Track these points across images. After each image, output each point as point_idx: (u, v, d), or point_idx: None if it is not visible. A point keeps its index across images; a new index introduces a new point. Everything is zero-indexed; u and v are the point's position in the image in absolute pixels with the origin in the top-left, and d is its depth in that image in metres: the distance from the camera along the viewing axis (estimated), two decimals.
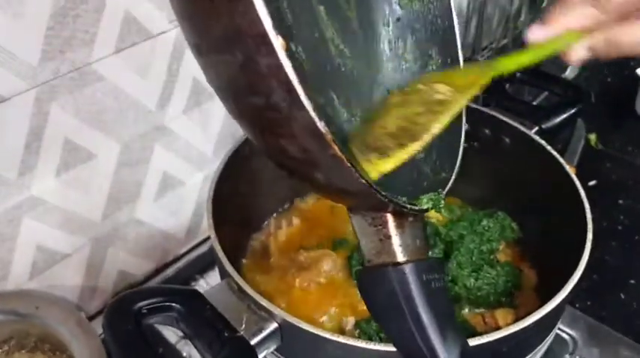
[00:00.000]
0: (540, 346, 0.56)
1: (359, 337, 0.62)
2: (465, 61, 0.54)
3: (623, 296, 0.88)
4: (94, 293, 0.85)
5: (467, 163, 0.78)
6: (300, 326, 0.47)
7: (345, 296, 0.69)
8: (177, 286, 0.51)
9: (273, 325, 0.49)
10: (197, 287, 0.86)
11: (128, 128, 0.77)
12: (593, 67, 1.43)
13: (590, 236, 0.55)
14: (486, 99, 0.76)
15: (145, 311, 0.47)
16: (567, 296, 0.51)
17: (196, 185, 0.91)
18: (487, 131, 0.73)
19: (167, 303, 0.48)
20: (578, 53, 0.47)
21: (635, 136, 1.25)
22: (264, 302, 0.49)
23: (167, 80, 0.78)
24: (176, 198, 0.89)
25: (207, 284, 0.88)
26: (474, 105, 0.73)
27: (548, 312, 0.49)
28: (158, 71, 0.77)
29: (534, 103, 1.06)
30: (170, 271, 0.91)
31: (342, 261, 0.72)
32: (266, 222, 0.79)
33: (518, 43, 1.34)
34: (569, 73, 1.32)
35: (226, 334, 0.47)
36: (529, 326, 0.48)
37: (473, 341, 0.46)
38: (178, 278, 0.89)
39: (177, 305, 0.48)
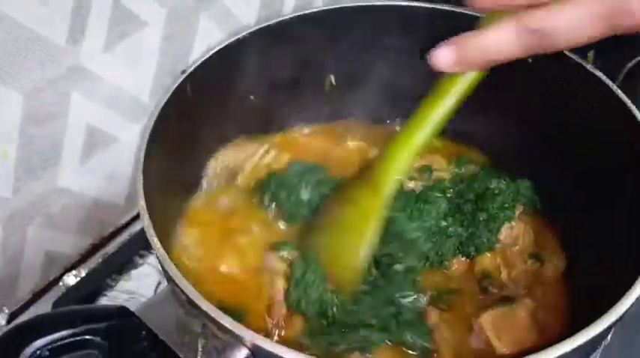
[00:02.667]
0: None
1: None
2: None
3: None
4: (15, 283, 0.71)
5: (479, 99, 0.64)
6: (283, 355, 0.32)
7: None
8: (96, 306, 0.35)
9: (243, 353, 0.34)
10: (146, 266, 0.72)
11: (31, 72, 0.61)
12: None
13: None
14: None
15: (46, 353, 0.31)
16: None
17: (132, 139, 0.76)
18: None
19: (79, 337, 0.31)
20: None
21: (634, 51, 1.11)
22: (226, 322, 0.34)
23: (77, 5, 0.61)
24: (108, 157, 0.73)
25: None
26: (476, 14, 0.57)
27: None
28: None
29: None
30: (111, 247, 0.77)
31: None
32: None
33: None
34: None
35: None
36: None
37: None
38: (121, 254, 0.75)
39: (97, 338, 0.32)
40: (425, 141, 0.48)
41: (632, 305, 0.39)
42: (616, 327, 0.63)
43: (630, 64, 0.99)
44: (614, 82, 0.55)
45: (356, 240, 0.53)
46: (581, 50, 1.02)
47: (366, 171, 0.54)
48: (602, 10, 0.36)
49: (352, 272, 0.53)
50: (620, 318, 0.39)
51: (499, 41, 0.40)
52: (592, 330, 0.37)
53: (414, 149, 0.49)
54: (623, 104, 0.49)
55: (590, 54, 1.08)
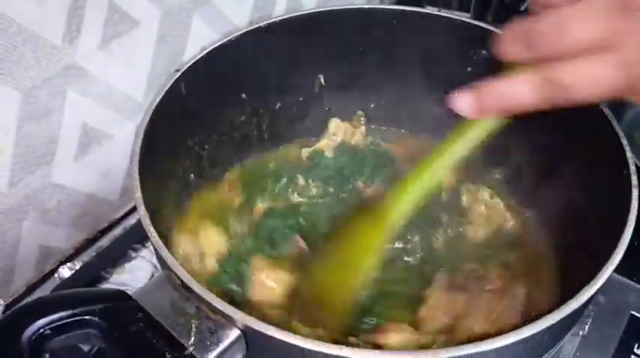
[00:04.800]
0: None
1: None
2: None
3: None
4: (11, 276, 0.71)
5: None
6: (272, 334, 0.34)
7: None
8: (94, 289, 0.37)
9: (234, 333, 0.36)
10: (139, 259, 0.73)
11: (28, 70, 0.61)
12: None
13: (635, 189, 0.43)
14: (479, 12, 0.62)
15: (47, 332, 0.33)
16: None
17: (127, 136, 0.76)
18: (484, 52, 0.59)
19: (79, 318, 0.33)
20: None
21: None
22: (219, 304, 0.36)
23: (72, 5, 0.62)
24: (103, 154, 0.74)
25: (152, 253, 0.74)
26: (466, 20, 0.59)
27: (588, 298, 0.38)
28: None
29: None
30: (105, 241, 0.77)
31: None
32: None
33: None
34: None
35: (168, 354, 0.33)
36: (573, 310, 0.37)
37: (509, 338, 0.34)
38: (115, 248, 0.75)
39: (96, 319, 0.34)
40: (436, 179, 0.49)
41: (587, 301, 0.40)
42: (594, 320, 0.65)
43: None
44: None
45: (353, 272, 0.52)
46: None
47: (370, 208, 0.53)
48: (625, 63, 0.35)
49: (343, 306, 0.52)
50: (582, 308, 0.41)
51: (519, 91, 0.40)
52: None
53: (426, 186, 0.49)
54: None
55: None
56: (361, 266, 0.52)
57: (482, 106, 0.42)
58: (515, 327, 0.35)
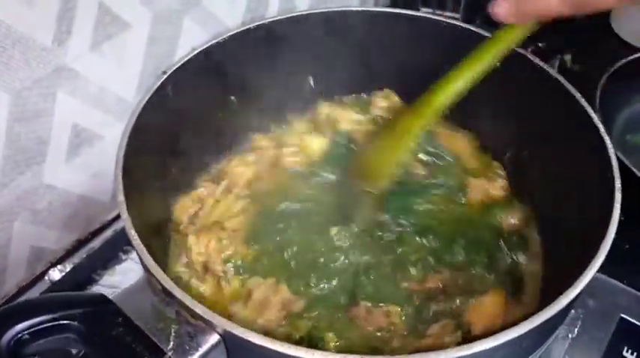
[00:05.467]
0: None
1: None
2: None
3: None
4: (1, 277, 0.71)
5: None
6: (251, 339, 0.34)
7: None
8: (74, 293, 0.37)
9: (214, 338, 0.36)
10: (130, 261, 0.73)
11: (18, 72, 0.61)
12: None
13: (618, 192, 0.43)
14: (468, 14, 0.62)
15: (26, 337, 0.33)
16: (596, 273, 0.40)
17: (118, 138, 0.74)
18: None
19: (58, 322, 0.33)
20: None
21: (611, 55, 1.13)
22: (198, 309, 0.36)
23: (62, 7, 0.62)
24: (94, 155, 0.74)
25: None
26: (454, 22, 0.59)
27: (572, 300, 0.38)
28: None
29: None
30: (96, 242, 0.77)
31: None
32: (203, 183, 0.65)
33: None
34: None
35: None
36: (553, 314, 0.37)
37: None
38: (106, 250, 0.75)
39: (75, 323, 0.34)
40: (472, 77, 0.51)
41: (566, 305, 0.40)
42: (583, 322, 0.65)
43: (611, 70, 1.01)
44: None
45: (395, 147, 0.58)
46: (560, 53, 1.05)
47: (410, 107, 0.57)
48: None
49: (386, 173, 0.59)
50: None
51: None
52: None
53: (462, 84, 0.52)
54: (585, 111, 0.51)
55: (567, 58, 1.11)
56: (402, 142, 0.57)
57: (518, 12, 0.47)
58: (494, 332, 0.35)
